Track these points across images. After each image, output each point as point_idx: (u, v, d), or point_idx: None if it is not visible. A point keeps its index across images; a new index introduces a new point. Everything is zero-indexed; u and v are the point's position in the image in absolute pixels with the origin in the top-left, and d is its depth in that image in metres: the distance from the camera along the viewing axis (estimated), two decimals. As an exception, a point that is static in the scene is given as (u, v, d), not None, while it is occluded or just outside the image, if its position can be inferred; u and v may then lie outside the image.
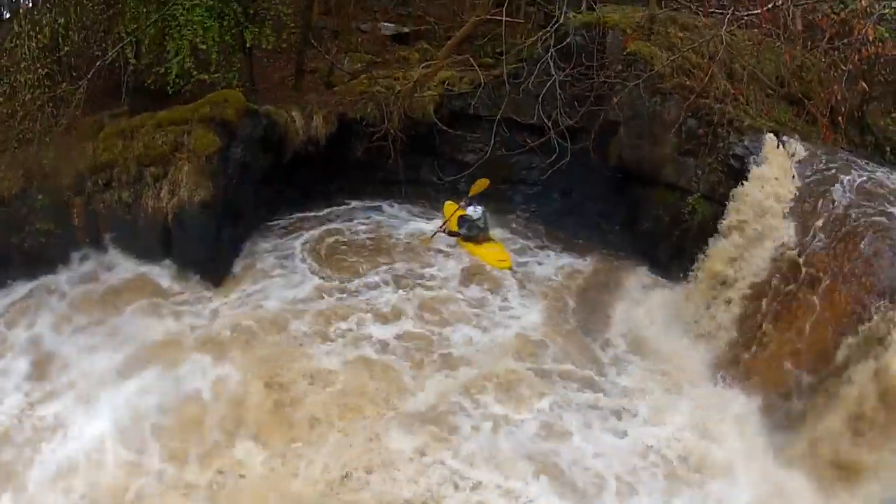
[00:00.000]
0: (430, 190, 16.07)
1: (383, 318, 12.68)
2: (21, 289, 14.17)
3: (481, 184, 14.90)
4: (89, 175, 14.58)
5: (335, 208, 15.91)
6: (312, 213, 15.80)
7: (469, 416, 10.73)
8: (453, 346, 12.03)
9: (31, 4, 16.86)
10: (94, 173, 14.58)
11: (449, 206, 15.18)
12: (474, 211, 14.55)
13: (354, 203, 16.03)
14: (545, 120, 14.28)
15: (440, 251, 14.51)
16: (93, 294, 13.88)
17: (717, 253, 12.22)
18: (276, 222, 15.63)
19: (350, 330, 12.49)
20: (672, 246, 13.39)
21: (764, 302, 11.19)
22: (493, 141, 14.88)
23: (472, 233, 14.53)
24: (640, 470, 10.07)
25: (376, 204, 16.01)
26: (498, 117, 14.82)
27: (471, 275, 13.77)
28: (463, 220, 14.64)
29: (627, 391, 11.28)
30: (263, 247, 14.95)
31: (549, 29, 14.46)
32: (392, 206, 15.98)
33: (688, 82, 13.29)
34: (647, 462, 10.22)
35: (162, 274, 14.19)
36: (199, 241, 14.17)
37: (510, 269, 13.91)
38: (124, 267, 14.40)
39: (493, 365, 11.59)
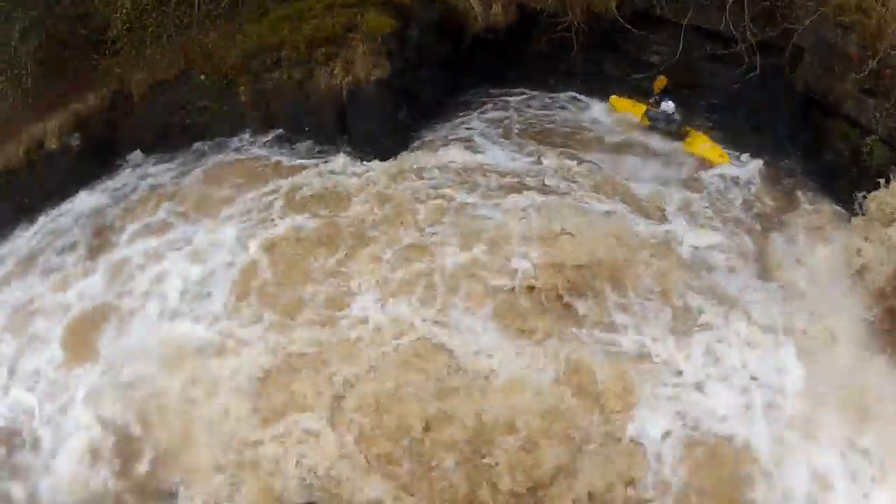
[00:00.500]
0: (612, 85, 15.90)
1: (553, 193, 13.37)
2: (180, 158, 15.64)
3: (661, 81, 15.04)
4: (256, 56, 15.24)
5: (516, 97, 16.14)
6: (493, 99, 16.15)
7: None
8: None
9: None
10: (261, 54, 15.23)
11: (615, 100, 15.52)
12: (667, 105, 14.72)
13: (535, 92, 16.21)
14: (733, 30, 13.88)
15: (645, 147, 14.93)
16: (254, 164, 15.02)
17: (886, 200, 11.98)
18: (455, 105, 16.05)
19: (517, 203, 13.15)
20: (850, 182, 13.04)
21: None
22: (681, 43, 14.45)
23: (670, 127, 14.79)
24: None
25: (557, 94, 16.17)
26: (685, 22, 14.39)
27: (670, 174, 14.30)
28: (656, 115, 14.92)
29: (769, 327, 11.38)
30: (442, 126, 15.46)
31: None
32: (577, 99, 16.06)
33: (866, 20, 12.80)
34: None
35: (334, 148, 14.96)
36: (374, 119, 14.83)
37: (728, 161, 14.26)
38: (296, 142, 15.33)
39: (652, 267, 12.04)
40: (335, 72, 14.60)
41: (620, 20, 14.90)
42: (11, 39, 16.63)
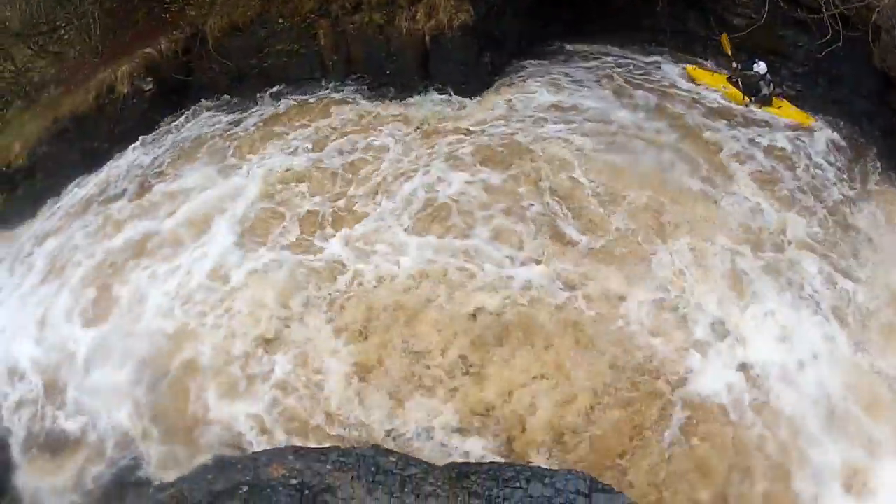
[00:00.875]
0: (697, 45, 16.20)
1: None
2: (256, 102, 16.07)
3: (725, 37, 15.10)
4: None
5: (602, 50, 16.49)
6: (578, 50, 16.50)
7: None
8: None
9: None
10: None
11: (692, 70, 15.61)
12: (760, 66, 14.65)
13: (618, 48, 16.55)
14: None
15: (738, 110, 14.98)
16: (328, 106, 15.43)
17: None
18: (539, 54, 16.31)
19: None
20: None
21: None
22: (766, 5, 14.31)
23: (768, 89, 14.68)
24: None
25: (646, 50, 16.52)
26: (769, -17, 14.30)
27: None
28: (751, 80, 14.75)
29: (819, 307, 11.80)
30: (526, 72, 15.75)
31: None
32: (666, 56, 16.37)
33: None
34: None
35: (415, 92, 15.35)
36: (457, 63, 15.05)
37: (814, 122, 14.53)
38: (376, 87, 15.66)
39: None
40: (417, 16, 14.84)
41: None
42: (77, -11, 17.02)
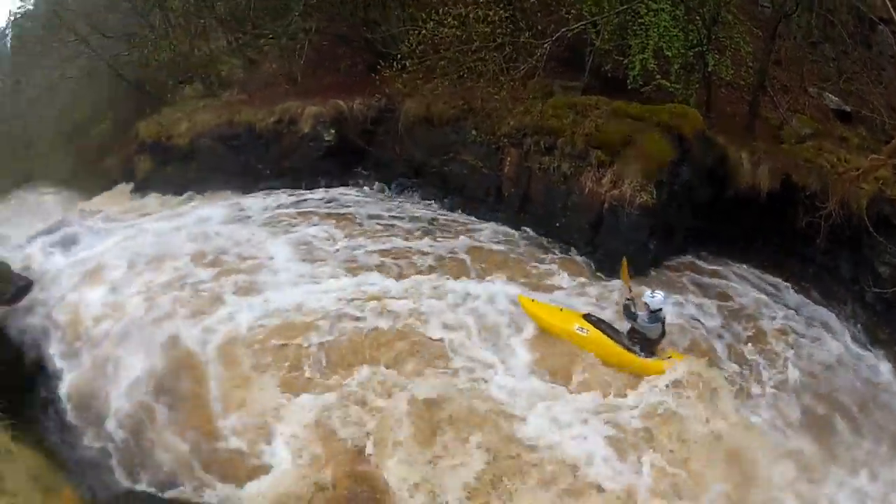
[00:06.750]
0: (841, 288, 16.38)
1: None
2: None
3: (624, 266, 14.06)
4: (532, 133, 16.19)
5: (742, 271, 16.88)
6: (724, 264, 16.87)
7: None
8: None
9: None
10: (537, 134, 16.17)
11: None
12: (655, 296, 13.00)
13: (759, 272, 16.96)
14: None
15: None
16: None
17: None
18: (702, 254, 16.90)
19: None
20: None
21: None
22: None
23: (649, 331, 12.97)
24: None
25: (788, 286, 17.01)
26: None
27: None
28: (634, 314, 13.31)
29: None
30: (680, 270, 16.19)
31: None
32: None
33: None
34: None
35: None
36: (625, 240, 15.33)
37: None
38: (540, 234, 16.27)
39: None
40: (603, 180, 15.41)
41: (865, 219, 15.27)
42: (295, 10, 17.70)
